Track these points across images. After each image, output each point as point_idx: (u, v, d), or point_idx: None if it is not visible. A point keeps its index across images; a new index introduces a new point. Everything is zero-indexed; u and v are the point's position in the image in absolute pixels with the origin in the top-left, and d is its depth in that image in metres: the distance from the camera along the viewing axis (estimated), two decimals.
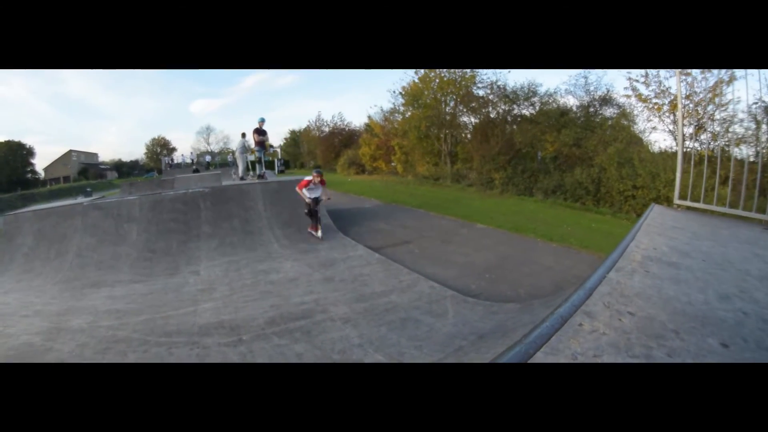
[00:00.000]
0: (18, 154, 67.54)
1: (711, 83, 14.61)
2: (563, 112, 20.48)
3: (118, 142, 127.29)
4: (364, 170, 36.22)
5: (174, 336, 4.85)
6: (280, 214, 10.08)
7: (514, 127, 21.33)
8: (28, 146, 69.39)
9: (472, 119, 24.43)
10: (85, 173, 73.29)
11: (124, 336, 4.93)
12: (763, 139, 10.28)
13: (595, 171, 16.13)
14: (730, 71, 13.30)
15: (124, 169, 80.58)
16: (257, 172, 13.99)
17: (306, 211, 9.37)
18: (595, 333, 1.90)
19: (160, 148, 79.95)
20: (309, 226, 9.32)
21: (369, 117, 38.81)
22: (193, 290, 6.55)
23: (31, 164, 70.45)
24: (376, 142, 34.08)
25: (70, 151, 77.69)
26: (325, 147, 48.44)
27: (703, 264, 2.97)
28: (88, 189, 29.38)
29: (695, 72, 14.12)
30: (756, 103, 9.00)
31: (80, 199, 13.84)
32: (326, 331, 4.71)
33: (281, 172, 41.03)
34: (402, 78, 39.81)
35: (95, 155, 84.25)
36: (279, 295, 6.00)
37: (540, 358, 1.71)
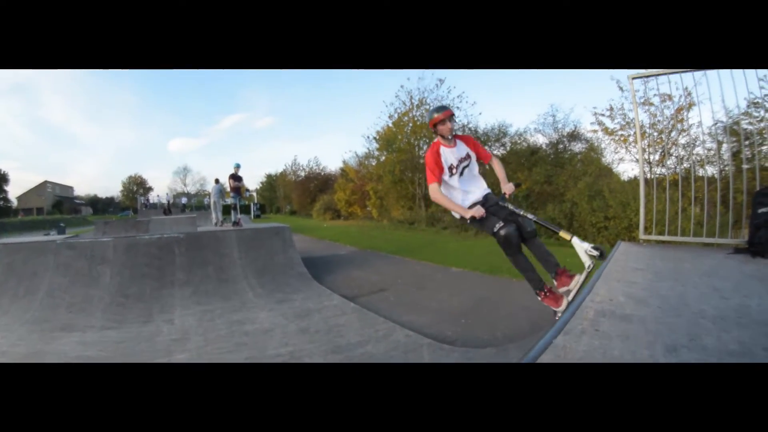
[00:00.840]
0: None
1: (672, 111, 15.20)
2: (533, 150, 21.17)
3: (94, 175, 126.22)
4: (340, 215, 36.41)
5: None
6: (254, 262, 10.03)
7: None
8: (2, 171, 68.00)
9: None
10: (59, 206, 72.15)
11: None
12: (725, 157, 10.68)
13: (567, 206, 16.53)
14: (689, 97, 13.82)
15: (100, 206, 79.64)
16: (232, 218, 13.97)
17: None
18: None
19: (137, 186, 79.51)
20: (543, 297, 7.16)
21: (344, 162, 39.37)
22: (166, 340, 6.47)
23: (4, 191, 68.88)
24: (351, 187, 34.41)
25: (46, 182, 76.63)
26: (301, 192, 48.71)
27: (658, 312, 3.00)
28: (62, 224, 29.00)
29: (656, 101, 14.70)
30: (715, 123, 9.44)
31: (53, 235, 13.60)
32: None
33: (257, 216, 41.04)
34: (376, 123, 40.67)
35: (71, 189, 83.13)
36: (254, 347, 5.96)
37: None
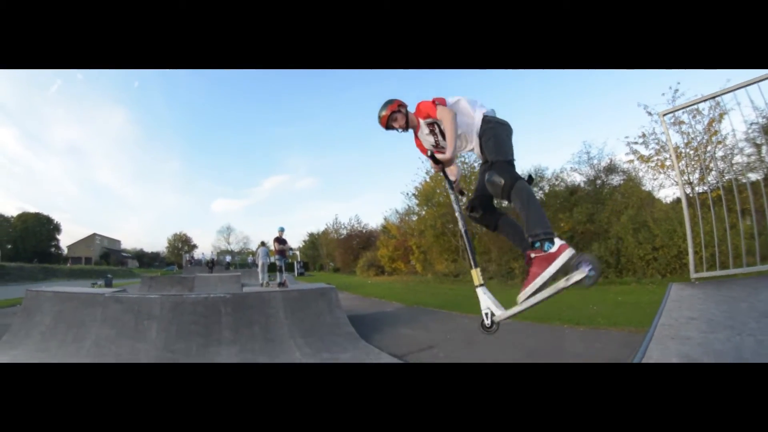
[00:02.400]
0: (45, 227, 70.15)
1: (704, 125, 14.79)
2: (572, 190, 20.82)
3: (140, 232, 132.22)
4: (384, 271, 36.33)
5: None
6: (301, 322, 9.93)
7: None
8: (55, 221, 72.00)
9: None
10: (106, 258, 74.70)
11: None
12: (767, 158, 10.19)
13: (613, 242, 16.12)
14: (717, 108, 13.48)
15: (145, 260, 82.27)
16: (278, 279, 14.16)
17: None
18: None
19: (181, 243, 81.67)
20: None
21: (385, 219, 39.61)
22: None
23: (56, 239, 72.65)
24: (393, 243, 34.48)
25: (94, 234, 79.63)
26: (344, 249, 49.09)
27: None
28: (109, 275, 29.76)
29: (686, 118, 14.33)
30: (750, 126, 9.01)
31: (100, 285, 13.91)
32: None
33: (301, 274, 41.36)
34: (413, 180, 41.03)
35: (118, 242, 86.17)
36: None
37: None
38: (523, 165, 23.73)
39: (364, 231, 51.14)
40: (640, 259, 15.05)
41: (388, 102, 3.52)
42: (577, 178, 21.97)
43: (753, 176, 12.35)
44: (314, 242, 63.30)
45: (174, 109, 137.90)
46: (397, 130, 3.52)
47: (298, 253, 53.02)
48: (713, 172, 15.05)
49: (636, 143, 18.18)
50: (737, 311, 4.18)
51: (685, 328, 4.06)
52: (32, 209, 71.95)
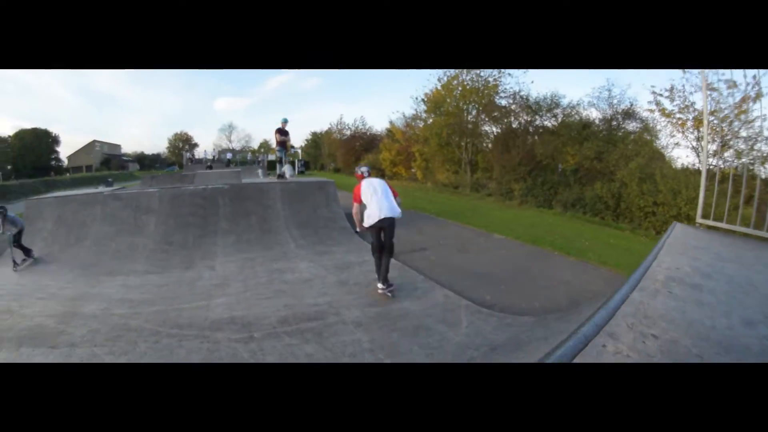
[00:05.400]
0: (43, 141, 69.21)
1: (737, 99, 14.36)
2: (585, 124, 20.17)
3: (142, 135, 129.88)
4: (384, 175, 36.15)
5: (185, 329, 4.85)
6: (298, 214, 10.09)
7: (536, 138, 21.12)
8: (53, 134, 71.16)
9: (494, 129, 24.30)
10: (107, 164, 74.50)
11: (135, 325, 4.96)
12: None
13: (616, 186, 15.88)
14: (756, 87, 13.06)
15: (146, 162, 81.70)
16: (277, 171, 13.97)
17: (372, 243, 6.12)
18: (619, 355, 1.86)
19: (182, 143, 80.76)
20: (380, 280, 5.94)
21: (391, 122, 38.91)
22: (207, 285, 6.56)
23: (56, 152, 72.11)
24: (396, 148, 34.07)
25: (94, 141, 78.95)
26: (346, 150, 48.36)
27: (726, 287, 2.91)
28: (110, 179, 29.81)
29: (721, 87, 13.96)
30: None
31: (101, 189, 14.02)
32: (338, 333, 4.67)
33: (301, 173, 41.21)
34: (425, 85, 39.57)
35: (118, 147, 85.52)
36: (292, 295, 5.97)
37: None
38: (539, 88, 22.99)
39: (368, 133, 50.52)
40: (640, 210, 14.85)
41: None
42: (593, 114, 21.37)
43: None
44: (316, 141, 62.37)
45: None
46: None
47: (300, 151, 52.69)
48: (731, 150, 14.67)
49: (661, 95, 17.46)
50: (743, 256, 4.20)
51: (693, 252, 4.12)
52: (29, 125, 71.44)
